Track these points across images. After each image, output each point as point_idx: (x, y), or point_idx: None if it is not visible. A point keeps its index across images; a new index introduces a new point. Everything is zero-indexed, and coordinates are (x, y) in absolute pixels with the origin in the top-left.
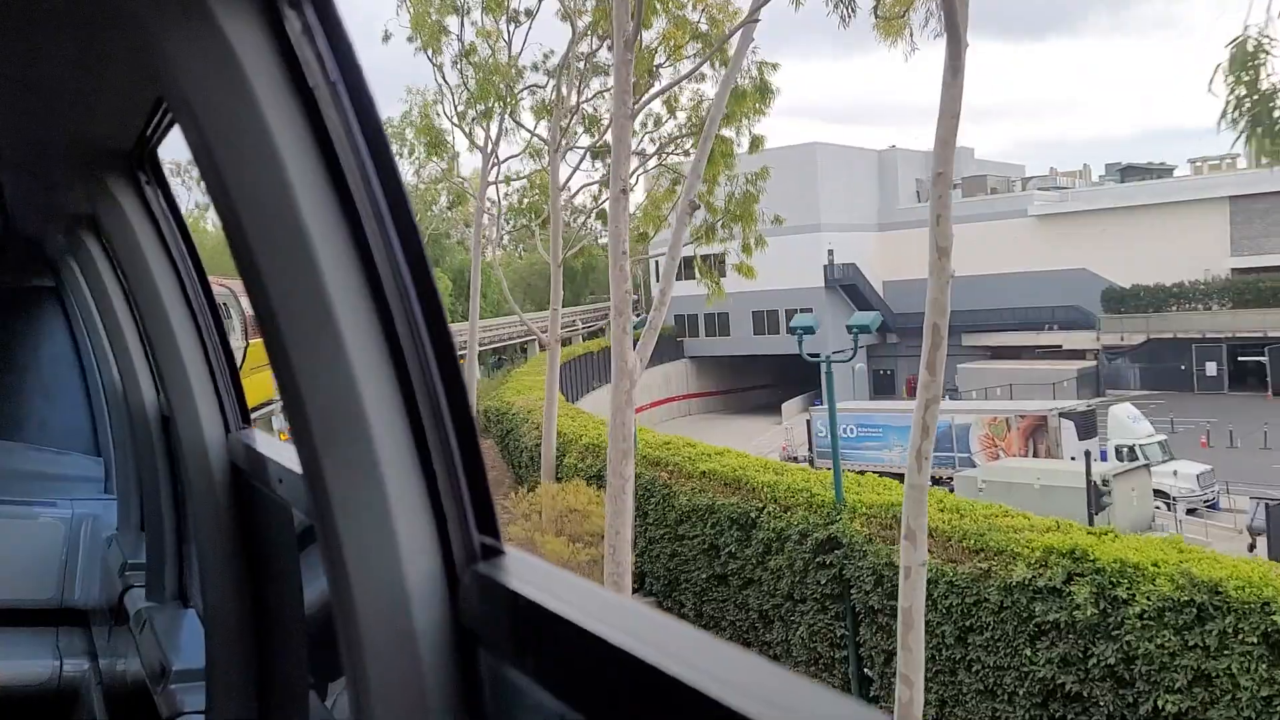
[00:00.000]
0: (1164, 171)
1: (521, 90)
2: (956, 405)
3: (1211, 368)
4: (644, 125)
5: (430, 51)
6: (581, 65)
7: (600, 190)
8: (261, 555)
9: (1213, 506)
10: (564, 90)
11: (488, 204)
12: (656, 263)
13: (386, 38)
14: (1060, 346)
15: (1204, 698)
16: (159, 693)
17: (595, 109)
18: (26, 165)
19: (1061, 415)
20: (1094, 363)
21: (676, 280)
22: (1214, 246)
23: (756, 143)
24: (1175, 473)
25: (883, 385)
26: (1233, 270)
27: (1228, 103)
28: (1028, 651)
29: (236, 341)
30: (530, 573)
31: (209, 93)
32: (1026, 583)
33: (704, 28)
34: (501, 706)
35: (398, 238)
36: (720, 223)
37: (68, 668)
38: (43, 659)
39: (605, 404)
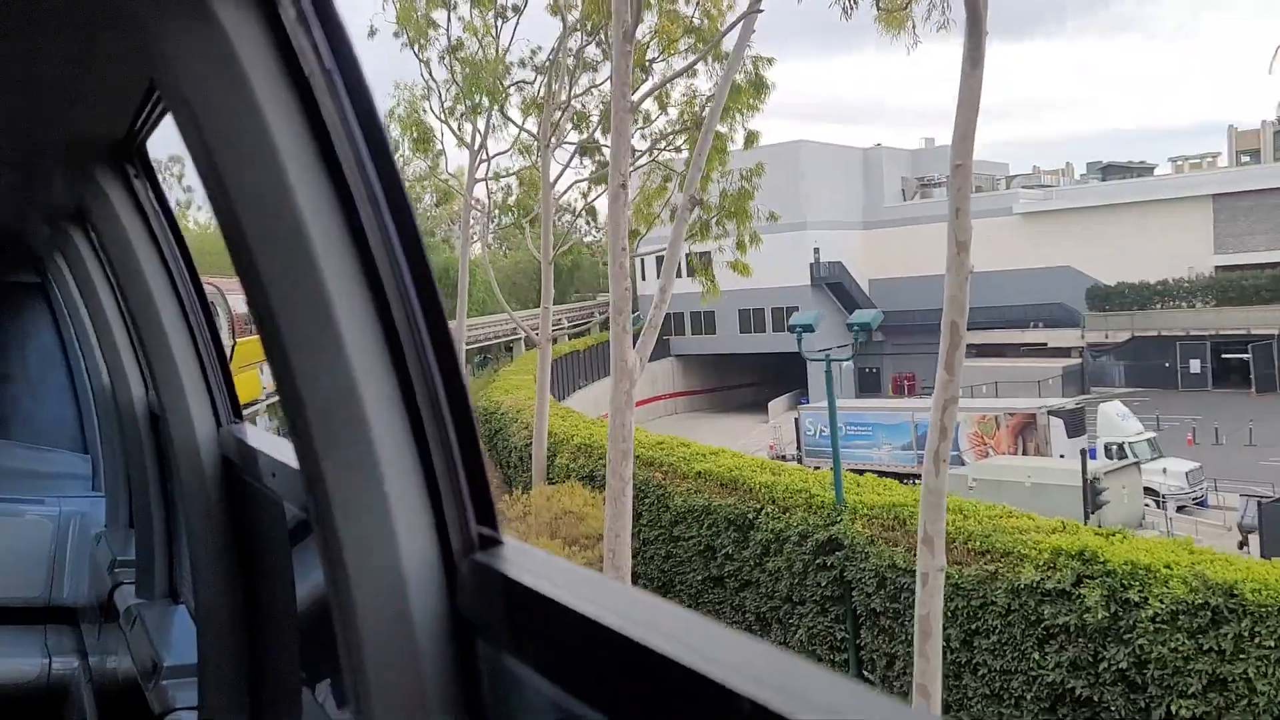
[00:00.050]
0: (1144, 170)
1: (510, 86)
2: None
3: (1196, 365)
4: (634, 122)
5: (417, 47)
6: (572, 61)
7: (590, 188)
8: (253, 550)
9: (1201, 504)
10: (554, 86)
11: (475, 201)
12: (643, 261)
13: (372, 33)
14: (1045, 344)
15: (1219, 703)
16: (151, 689)
17: (584, 106)
18: (10, 158)
19: (1051, 413)
20: (1079, 360)
21: None
22: (1198, 244)
23: (752, 138)
24: (1164, 470)
25: (868, 383)
26: (1216, 268)
27: None
28: (1036, 655)
29: (224, 340)
30: (529, 561)
31: (203, 82)
32: (1035, 585)
33: (698, 22)
34: (499, 694)
35: (394, 224)
36: (715, 219)
37: (56, 665)
38: (31, 657)
39: (592, 402)
